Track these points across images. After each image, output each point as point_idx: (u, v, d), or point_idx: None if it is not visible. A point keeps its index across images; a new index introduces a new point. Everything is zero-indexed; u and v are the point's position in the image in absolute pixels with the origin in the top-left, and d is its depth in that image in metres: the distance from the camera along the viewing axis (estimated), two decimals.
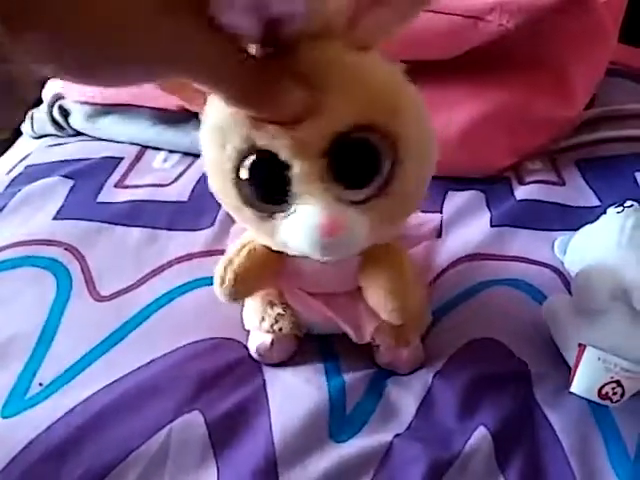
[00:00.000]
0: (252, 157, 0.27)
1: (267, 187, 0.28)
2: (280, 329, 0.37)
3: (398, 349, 0.37)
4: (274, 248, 0.32)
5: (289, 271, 0.35)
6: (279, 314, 0.37)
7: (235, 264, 0.34)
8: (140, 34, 0.21)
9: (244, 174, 0.28)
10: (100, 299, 0.43)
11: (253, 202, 0.29)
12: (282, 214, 0.28)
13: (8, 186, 0.56)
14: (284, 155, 0.26)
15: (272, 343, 0.37)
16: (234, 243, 0.36)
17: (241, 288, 0.35)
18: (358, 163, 0.27)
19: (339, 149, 0.26)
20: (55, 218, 0.51)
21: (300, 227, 0.28)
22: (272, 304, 0.37)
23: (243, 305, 0.39)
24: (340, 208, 0.27)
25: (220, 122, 0.28)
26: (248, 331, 0.39)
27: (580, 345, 0.35)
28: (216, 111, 0.28)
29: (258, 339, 0.38)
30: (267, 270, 0.35)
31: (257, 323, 0.38)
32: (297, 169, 0.27)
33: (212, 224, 0.50)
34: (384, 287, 0.33)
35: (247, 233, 0.35)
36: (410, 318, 0.34)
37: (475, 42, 0.52)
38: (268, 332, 0.37)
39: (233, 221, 0.49)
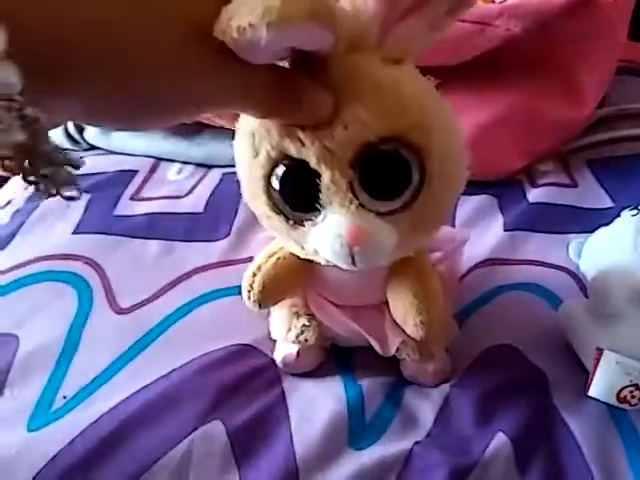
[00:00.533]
0: (283, 165, 0.28)
1: (297, 195, 0.29)
2: (306, 340, 0.37)
3: (423, 363, 0.37)
4: (302, 256, 0.33)
5: (316, 281, 0.36)
6: (304, 325, 0.37)
7: (263, 271, 0.35)
8: (176, 74, 0.21)
9: (275, 182, 0.28)
10: (120, 311, 0.44)
11: (283, 210, 0.29)
12: (311, 222, 0.29)
13: (26, 202, 0.57)
14: (314, 163, 0.27)
15: (298, 354, 0.38)
16: (262, 251, 0.36)
17: (268, 296, 0.36)
18: (386, 174, 0.28)
19: (368, 160, 0.27)
20: (74, 232, 0.52)
21: (327, 235, 0.28)
22: (298, 315, 0.38)
23: (269, 315, 0.40)
24: (367, 218, 0.28)
25: (252, 130, 0.28)
26: (274, 340, 0.40)
27: (597, 349, 0.35)
28: (249, 119, 0.28)
29: (284, 349, 0.38)
30: (295, 279, 0.36)
31: (284, 334, 0.38)
32: (326, 178, 0.27)
33: (228, 234, 0.51)
34: (410, 301, 0.33)
35: (275, 241, 0.36)
36: (435, 333, 0.34)
37: (483, 47, 0.52)
38: (294, 343, 0.38)
39: (250, 231, 0.51)
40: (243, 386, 0.37)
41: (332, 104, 0.26)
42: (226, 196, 0.56)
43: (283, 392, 0.37)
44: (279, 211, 0.29)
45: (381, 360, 0.37)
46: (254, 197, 0.30)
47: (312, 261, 0.33)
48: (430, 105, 0.28)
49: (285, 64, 0.26)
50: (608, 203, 0.52)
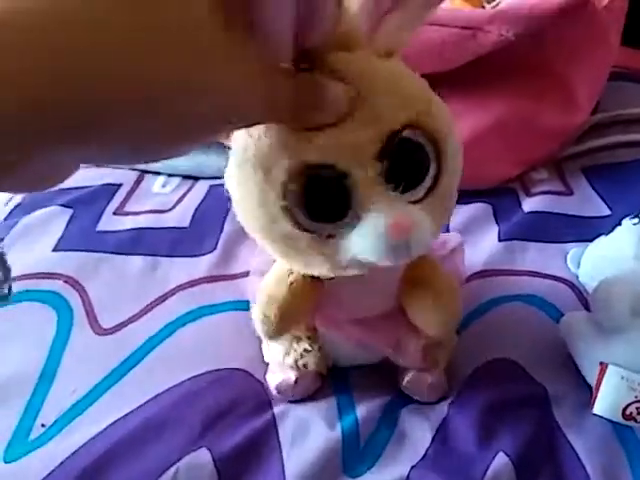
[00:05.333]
0: (304, 176, 0.26)
1: (325, 205, 0.27)
2: (304, 365, 0.35)
3: (423, 373, 0.36)
4: (332, 273, 0.30)
5: (327, 300, 0.34)
6: (305, 350, 0.35)
7: (278, 299, 0.32)
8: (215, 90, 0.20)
9: (296, 197, 0.26)
10: (102, 332, 0.42)
11: (308, 225, 0.27)
12: (342, 230, 0.27)
13: (6, 218, 0.56)
14: (342, 164, 0.25)
15: (296, 381, 0.36)
16: (266, 277, 0.34)
17: (286, 324, 0.33)
18: (409, 163, 0.27)
19: (392, 150, 0.26)
20: (55, 249, 0.50)
21: (370, 235, 0.26)
22: (298, 339, 0.36)
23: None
24: (404, 208, 0.27)
25: (263, 147, 0.26)
26: (264, 363, 0.38)
27: (601, 364, 0.33)
28: (254, 139, 0.26)
29: (279, 376, 0.36)
30: (310, 301, 0.33)
31: (280, 358, 0.36)
32: (357, 176, 0.25)
33: (214, 249, 0.49)
34: (431, 300, 0.33)
35: (278, 265, 0.34)
36: (454, 329, 0.35)
37: (474, 53, 0.51)
38: (292, 368, 0.36)
39: (236, 245, 0.49)
40: (231, 411, 0.35)
41: (349, 98, 0.25)
42: (213, 209, 0.54)
43: (274, 417, 0.35)
44: (304, 228, 0.27)
45: (378, 379, 0.36)
46: (268, 225, 0.27)
47: (321, 280, 0.31)
48: (430, 90, 0.28)
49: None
50: (605, 211, 0.51)
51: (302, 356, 0.35)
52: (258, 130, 0.26)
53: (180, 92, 0.19)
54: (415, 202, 0.27)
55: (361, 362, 0.37)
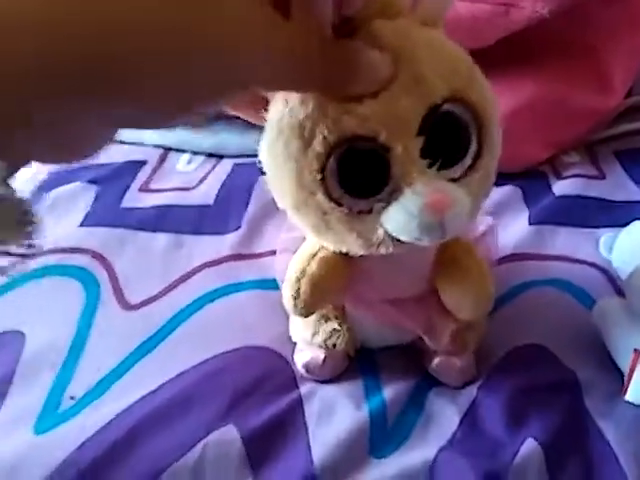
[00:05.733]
0: (343, 147, 0.25)
1: (361, 178, 0.26)
2: (334, 345, 0.35)
3: (452, 357, 0.35)
4: (363, 251, 0.29)
5: (359, 278, 0.33)
6: (334, 329, 0.35)
7: (309, 274, 0.32)
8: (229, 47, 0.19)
9: (335, 171, 0.26)
10: (129, 308, 0.42)
11: (346, 200, 0.26)
12: (380, 204, 0.26)
13: (34, 192, 0.56)
14: (383, 137, 0.24)
15: (324, 360, 0.35)
16: (296, 254, 0.33)
17: (317, 300, 0.33)
18: (451, 138, 0.26)
19: (434, 123, 0.25)
20: (81, 225, 0.50)
21: (408, 210, 0.25)
22: (327, 318, 0.35)
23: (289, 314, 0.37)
24: (444, 185, 0.26)
25: (302, 119, 0.25)
26: (291, 341, 0.38)
27: (636, 351, 0.33)
28: (290, 108, 0.25)
29: (307, 354, 0.36)
30: (340, 279, 0.33)
31: (308, 337, 0.36)
32: (399, 149, 0.25)
33: (239, 227, 0.49)
34: (464, 284, 0.33)
35: (309, 242, 0.33)
36: (487, 310, 0.35)
37: (507, 30, 0.50)
38: (320, 347, 0.36)
39: (262, 224, 0.49)
40: (258, 389, 0.35)
41: (391, 67, 0.24)
42: (237, 188, 0.54)
43: (300, 396, 0.35)
44: (341, 202, 0.26)
45: (406, 361, 0.36)
46: (303, 199, 0.27)
47: (352, 258, 0.31)
48: (471, 62, 0.27)
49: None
50: (638, 196, 0.50)
51: (330, 335, 0.35)
52: (294, 99, 0.25)
53: (213, 46, 0.18)
54: (457, 179, 0.26)
55: (390, 343, 0.37)
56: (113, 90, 0.17)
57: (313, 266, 0.32)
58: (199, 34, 0.18)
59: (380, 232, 0.27)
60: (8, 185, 0.17)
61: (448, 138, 0.26)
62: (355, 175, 0.26)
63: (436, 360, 0.36)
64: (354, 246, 0.29)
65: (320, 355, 0.36)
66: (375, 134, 0.24)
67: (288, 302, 0.33)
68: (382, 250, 0.28)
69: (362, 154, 0.25)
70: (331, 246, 0.31)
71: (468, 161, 0.27)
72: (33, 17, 0.16)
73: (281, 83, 0.23)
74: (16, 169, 0.17)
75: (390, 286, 0.34)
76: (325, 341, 0.35)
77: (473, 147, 0.27)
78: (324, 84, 0.23)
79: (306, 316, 0.34)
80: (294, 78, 0.22)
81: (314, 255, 0.32)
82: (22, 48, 0.15)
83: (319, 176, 0.26)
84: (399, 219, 0.26)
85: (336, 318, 0.35)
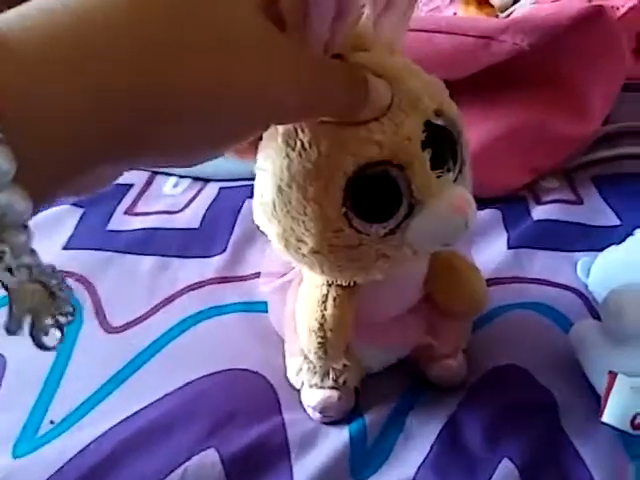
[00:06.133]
0: (355, 177, 0.26)
1: (386, 202, 0.27)
2: (344, 382, 0.34)
3: (447, 361, 0.36)
4: (382, 275, 0.29)
5: (364, 304, 0.33)
6: (345, 366, 0.34)
7: (331, 318, 0.31)
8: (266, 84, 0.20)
9: (358, 200, 0.26)
10: (111, 330, 0.42)
11: (367, 228, 0.27)
12: (404, 223, 0.27)
13: None
14: (401, 159, 0.26)
15: (339, 398, 0.34)
16: (300, 304, 0.33)
17: (345, 340, 0.32)
18: (444, 147, 0.28)
19: (431, 137, 0.27)
20: (65, 248, 0.50)
21: (440, 218, 0.27)
22: None
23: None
24: (460, 189, 0.28)
25: (315, 160, 0.26)
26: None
27: (611, 373, 0.33)
28: (300, 155, 0.26)
29: (318, 394, 0.35)
30: (354, 310, 0.32)
31: (317, 380, 0.35)
32: (415, 165, 0.26)
33: (224, 250, 0.50)
34: (460, 276, 0.35)
35: (305, 288, 0.33)
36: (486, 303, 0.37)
37: (487, 62, 0.51)
38: (332, 387, 0.35)
39: (247, 247, 0.49)
40: (240, 413, 0.35)
41: (391, 91, 0.26)
42: (223, 211, 0.54)
43: (283, 420, 0.35)
44: (367, 231, 0.27)
45: (384, 382, 0.36)
46: (330, 240, 0.27)
47: (358, 286, 0.31)
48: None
49: None
50: (615, 221, 0.51)
51: (342, 373, 0.34)
52: (299, 142, 0.26)
53: (235, 89, 0.19)
54: (455, 181, 0.29)
55: (392, 362, 0.37)
56: (162, 143, 0.19)
57: (330, 309, 0.31)
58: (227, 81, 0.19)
59: (406, 250, 0.28)
60: (34, 252, 0.17)
61: (444, 146, 0.28)
62: (372, 200, 0.27)
63: (434, 369, 0.36)
64: (379, 271, 0.29)
65: (334, 394, 0.35)
66: (391, 157, 0.26)
67: (317, 352, 0.32)
68: (402, 262, 0.30)
69: (371, 180, 0.26)
70: (343, 279, 0.31)
71: (458, 167, 0.29)
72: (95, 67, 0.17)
73: (308, 112, 0.23)
74: (36, 212, 0.17)
75: (395, 303, 0.35)
76: (337, 379, 0.34)
77: (459, 155, 0.29)
78: (345, 109, 0.24)
79: (338, 361, 0.33)
80: (321, 106, 0.23)
81: (325, 297, 0.31)
82: (101, 116, 0.17)
83: (343, 209, 0.26)
84: (428, 229, 0.27)
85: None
